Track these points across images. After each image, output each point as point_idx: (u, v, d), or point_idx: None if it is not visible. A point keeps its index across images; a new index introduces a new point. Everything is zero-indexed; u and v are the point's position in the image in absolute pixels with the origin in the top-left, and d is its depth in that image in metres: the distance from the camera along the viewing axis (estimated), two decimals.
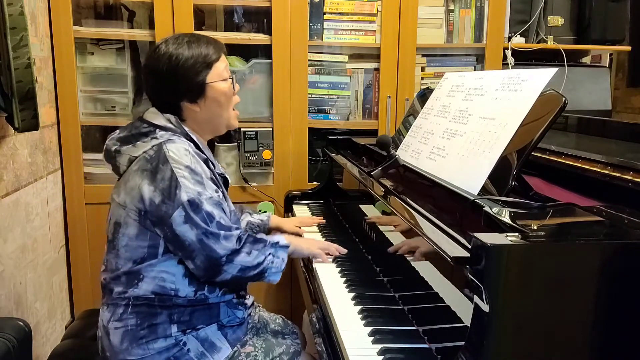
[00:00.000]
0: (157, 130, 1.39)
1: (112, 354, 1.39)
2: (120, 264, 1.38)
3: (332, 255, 1.57)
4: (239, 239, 1.38)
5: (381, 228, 1.53)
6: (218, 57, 1.45)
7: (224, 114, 1.48)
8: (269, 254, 1.42)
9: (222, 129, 1.54)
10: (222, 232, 1.34)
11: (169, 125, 1.41)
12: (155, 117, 1.42)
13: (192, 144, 1.40)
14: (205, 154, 1.43)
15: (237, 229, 1.40)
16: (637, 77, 3.30)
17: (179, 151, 1.34)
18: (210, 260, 1.34)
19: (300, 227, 1.86)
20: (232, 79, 1.48)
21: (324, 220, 1.95)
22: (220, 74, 1.44)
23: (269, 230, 1.83)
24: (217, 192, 1.39)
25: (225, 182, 1.55)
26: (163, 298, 1.37)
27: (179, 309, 1.38)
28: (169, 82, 1.41)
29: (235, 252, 1.36)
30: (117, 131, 1.44)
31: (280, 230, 1.87)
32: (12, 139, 1.78)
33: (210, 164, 1.44)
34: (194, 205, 1.31)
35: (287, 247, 1.47)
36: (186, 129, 1.43)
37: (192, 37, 1.45)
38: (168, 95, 1.42)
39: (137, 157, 1.36)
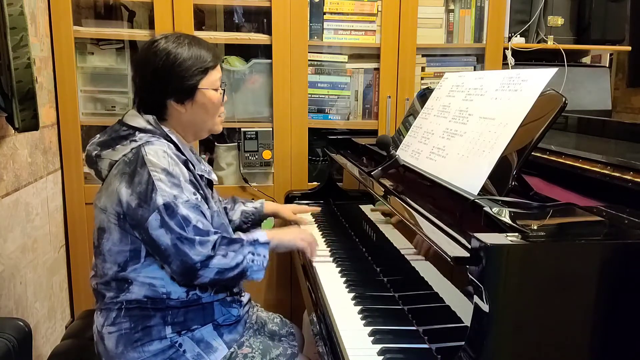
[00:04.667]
0: (137, 132, 1.37)
1: (107, 358, 1.39)
2: (107, 268, 1.37)
3: (313, 250, 1.57)
4: (215, 244, 1.34)
5: (381, 228, 1.53)
6: (215, 65, 1.43)
7: (208, 121, 1.46)
8: (248, 252, 1.38)
9: (204, 134, 1.53)
10: (198, 238, 1.31)
11: (148, 127, 1.39)
12: (134, 119, 1.40)
13: (171, 145, 1.38)
14: (185, 155, 1.41)
15: (216, 233, 1.36)
16: (637, 77, 3.29)
17: (157, 153, 1.33)
18: (185, 265, 1.31)
19: (296, 215, 1.89)
20: (224, 91, 1.46)
21: (319, 208, 2.01)
22: (213, 83, 1.43)
23: (264, 217, 1.83)
24: (195, 194, 1.36)
25: (210, 184, 1.52)
26: (156, 301, 1.37)
27: (173, 311, 1.38)
28: (161, 79, 1.38)
29: (210, 257, 1.33)
30: (98, 136, 1.43)
31: (277, 216, 1.88)
32: (12, 139, 1.78)
33: (190, 165, 1.41)
34: (170, 209, 1.29)
35: (267, 243, 1.43)
36: (165, 129, 1.41)
37: (194, 39, 1.43)
38: (157, 91, 1.40)
39: (117, 161, 1.35)
